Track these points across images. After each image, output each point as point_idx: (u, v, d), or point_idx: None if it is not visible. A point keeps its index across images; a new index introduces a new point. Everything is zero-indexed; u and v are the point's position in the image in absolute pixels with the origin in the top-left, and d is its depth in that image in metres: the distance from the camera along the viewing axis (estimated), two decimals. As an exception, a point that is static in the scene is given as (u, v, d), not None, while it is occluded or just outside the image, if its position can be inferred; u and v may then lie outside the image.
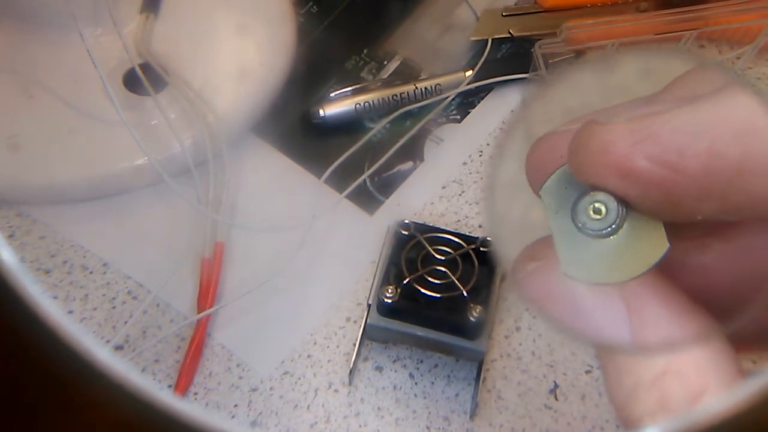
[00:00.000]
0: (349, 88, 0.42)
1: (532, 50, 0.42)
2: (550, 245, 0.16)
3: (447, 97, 0.42)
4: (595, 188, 0.15)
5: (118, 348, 0.35)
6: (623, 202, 0.15)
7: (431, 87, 0.42)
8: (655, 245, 0.15)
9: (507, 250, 0.17)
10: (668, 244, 0.15)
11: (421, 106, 0.42)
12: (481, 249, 0.34)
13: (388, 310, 0.33)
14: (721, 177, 0.14)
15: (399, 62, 0.45)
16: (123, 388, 0.12)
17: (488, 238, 0.34)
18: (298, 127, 0.42)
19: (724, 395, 0.12)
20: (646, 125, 0.14)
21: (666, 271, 0.15)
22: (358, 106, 0.41)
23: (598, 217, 0.15)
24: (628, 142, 0.14)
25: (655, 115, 0.14)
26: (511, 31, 0.45)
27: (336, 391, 0.34)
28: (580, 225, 0.15)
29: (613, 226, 0.15)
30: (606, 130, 0.14)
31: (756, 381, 0.12)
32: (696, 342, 0.14)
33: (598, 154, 0.14)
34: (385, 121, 0.42)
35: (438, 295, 0.32)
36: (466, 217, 0.39)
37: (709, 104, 0.14)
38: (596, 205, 0.15)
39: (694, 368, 0.14)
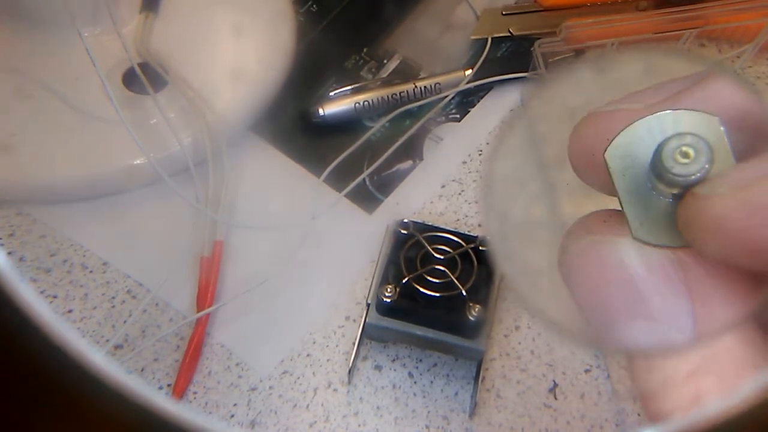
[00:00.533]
0: (349, 87, 0.42)
1: (532, 49, 0.42)
2: (608, 219, 0.15)
3: (446, 96, 0.42)
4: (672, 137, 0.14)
5: (118, 347, 0.35)
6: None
7: (431, 86, 0.42)
8: None
9: (506, 248, 0.16)
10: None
11: (421, 105, 0.42)
12: (481, 248, 0.34)
13: (387, 310, 0.33)
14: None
15: (398, 61, 0.45)
16: (119, 391, 0.12)
17: (486, 237, 0.34)
18: (297, 126, 0.42)
19: (728, 395, 0.12)
20: (755, 195, 0.13)
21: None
22: (357, 105, 0.41)
23: (686, 160, 0.14)
24: (741, 216, 0.13)
25: (760, 181, 0.13)
26: (510, 30, 0.45)
27: (335, 390, 0.34)
28: (664, 171, 0.14)
29: (705, 169, 0.14)
30: (713, 204, 0.13)
31: (757, 380, 0.12)
32: (743, 323, 0.14)
33: (714, 231, 0.13)
34: (384, 120, 0.42)
35: (437, 295, 0.32)
36: (466, 216, 0.39)
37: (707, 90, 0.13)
38: (683, 148, 0.14)
39: (730, 363, 0.14)
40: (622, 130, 0.15)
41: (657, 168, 0.14)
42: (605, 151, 0.15)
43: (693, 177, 0.14)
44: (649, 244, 0.14)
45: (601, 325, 0.14)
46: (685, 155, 0.14)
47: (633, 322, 0.14)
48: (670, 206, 0.15)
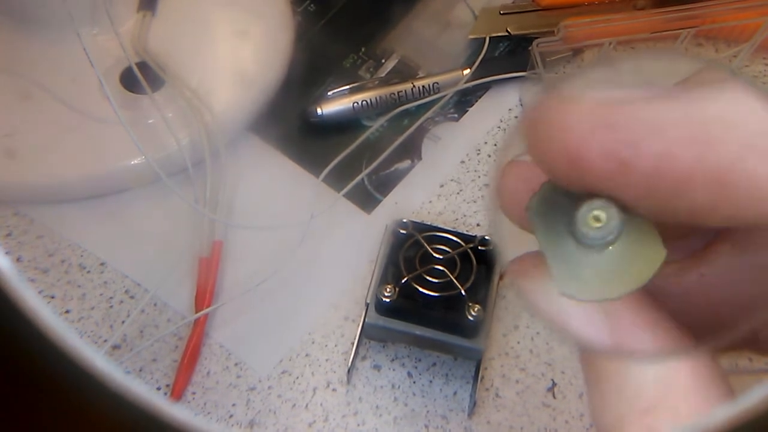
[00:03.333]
0: (347, 87, 0.42)
1: (530, 48, 0.42)
2: (539, 265, 0.15)
3: (445, 96, 0.42)
4: (585, 197, 0.15)
5: (116, 347, 0.35)
6: (622, 207, 0.14)
7: (429, 85, 0.42)
8: (651, 253, 0.15)
9: (507, 248, 0.16)
10: (665, 251, 0.15)
11: (419, 105, 0.42)
12: (480, 248, 0.34)
13: (386, 309, 0.33)
14: (670, 182, 0.13)
15: (397, 60, 0.45)
16: (117, 392, 0.12)
17: (486, 237, 0.34)
18: (295, 126, 0.42)
19: (726, 407, 0.12)
20: (610, 112, 0.13)
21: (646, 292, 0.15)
22: (355, 104, 0.41)
23: (599, 224, 0.14)
24: (585, 127, 0.13)
25: (622, 103, 0.13)
26: (508, 29, 0.45)
27: (334, 390, 0.34)
28: (581, 236, 0.15)
29: (615, 233, 0.14)
30: (566, 109, 0.13)
31: (756, 393, 0.12)
32: (675, 354, 0.14)
33: (552, 136, 0.14)
34: (382, 120, 0.42)
35: (436, 294, 0.32)
36: (464, 215, 0.39)
37: (684, 102, 0.13)
38: (595, 213, 0.14)
39: (684, 401, 0.14)
40: (543, 184, 0.15)
41: (574, 232, 0.15)
42: (526, 207, 0.16)
43: (607, 239, 0.15)
44: (576, 298, 0.15)
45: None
46: (597, 219, 0.14)
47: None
48: (594, 260, 0.15)
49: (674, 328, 0.15)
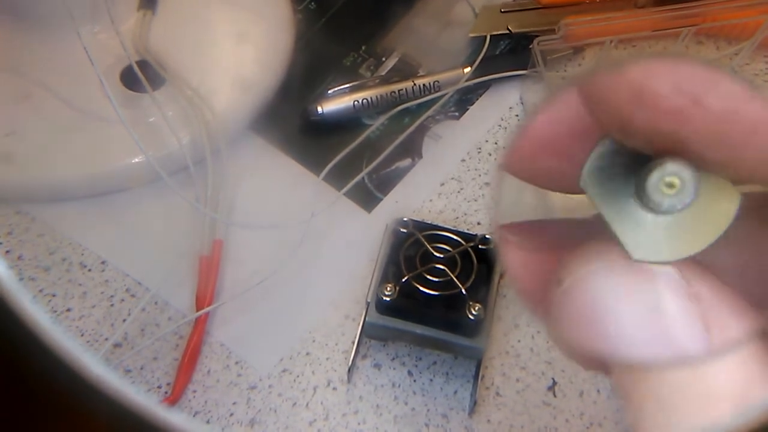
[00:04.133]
0: (347, 85, 0.42)
1: (531, 47, 0.42)
2: (600, 249, 0.14)
3: (445, 94, 0.42)
4: (648, 160, 0.13)
5: (117, 346, 0.35)
6: (695, 167, 0.13)
7: (429, 84, 0.42)
8: (725, 201, 0.14)
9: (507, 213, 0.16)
10: (739, 195, 0.14)
11: (420, 103, 0.42)
12: (480, 246, 0.34)
13: (386, 308, 0.33)
14: (742, 126, 0.12)
15: (397, 59, 0.45)
16: (112, 396, 0.12)
17: (487, 236, 0.34)
18: (296, 125, 0.42)
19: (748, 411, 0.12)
20: (676, 60, 0.12)
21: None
22: (356, 103, 0.41)
23: (673, 191, 0.13)
24: (654, 62, 0.13)
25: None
26: (509, 27, 0.45)
27: (335, 388, 0.34)
28: (653, 205, 0.14)
29: (692, 197, 0.13)
30: (630, 59, 0.13)
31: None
32: (751, 339, 0.13)
33: (616, 71, 0.13)
34: (383, 118, 0.42)
35: (437, 293, 0.32)
36: (465, 214, 0.39)
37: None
38: (668, 179, 0.13)
39: (742, 383, 0.13)
40: (596, 145, 0.15)
41: (644, 200, 0.14)
42: (580, 180, 0.15)
43: (683, 206, 0.14)
44: (650, 262, 0.14)
45: (603, 351, 0.14)
46: (671, 185, 0.13)
47: (649, 350, 0.13)
48: (667, 222, 0.14)
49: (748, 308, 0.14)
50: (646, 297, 0.13)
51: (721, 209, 0.14)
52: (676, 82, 0.12)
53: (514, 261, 0.16)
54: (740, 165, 0.13)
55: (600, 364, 0.15)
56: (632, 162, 0.14)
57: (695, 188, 0.13)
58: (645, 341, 0.13)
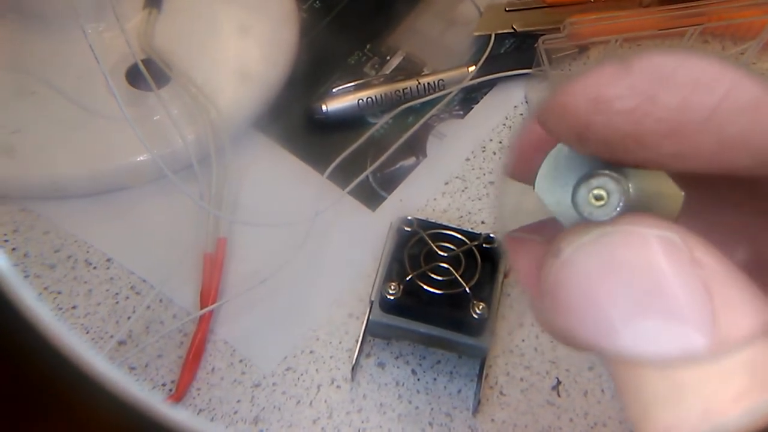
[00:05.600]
0: (352, 84, 0.42)
1: (536, 45, 0.42)
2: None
3: (450, 93, 0.42)
4: (585, 176, 0.14)
5: (121, 343, 0.35)
6: (621, 179, 0.14)
7: (434, 82, 0.42)
8: (670, 198, 0.14)
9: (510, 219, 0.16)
10: (682, 192, 0.14)
11: (424, 102, 0.42)
12: (484, 245, 0.34)
13: (390, 307, 0.33)
14: (698, 114, 0.13)
15: (402, 57, 0.45)
16: (116, 394, 0.12)
17: (491, 235, 0.34)
18: (300, 123, 0.42)
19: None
20: (629, 63, 0.13)
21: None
22: (360, 101, 0.41)
23: (601, 203, 0.14)
24: (607, 71, 0.13)
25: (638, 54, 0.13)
26: (514, 26, 0.44)
27: (338, 387, 0.34)
28: (586, 216, 0.15)
29: (620, 207, 0.14)
30: (585, 70, 0.13)
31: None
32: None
33: (573, 84, 0.13)
34: (387, 117, 0.42)
35: (441, 292, 0.32)
36: (469, 213, 0.39)
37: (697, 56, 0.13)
38: (595, 192, 0.14)
39: (748, 392, 0.12)
40: (549, 152, 0.15)
41: (577, 211, 0.15)
42: (534, 186, 0.15)
43: (613, 215, 0.14)
44: None
45: (603, 330, 0.13)
46: (599, 198, 0.14)
47: (646, 321, 0.13)
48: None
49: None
50: (641, 260, 0.13)
51: (664, 207, 0.14)
52: (630, 83, 0.13)
53: (515, 249, 0.16)
54: (698, 154, 0.13)
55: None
56: (582, 167, 0.15)
57: (620, 200, 0.14)
58: (641, 310, 0.13)
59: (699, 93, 0.13)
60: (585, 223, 0.15)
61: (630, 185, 0.15)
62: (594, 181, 0.14)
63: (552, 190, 0.15)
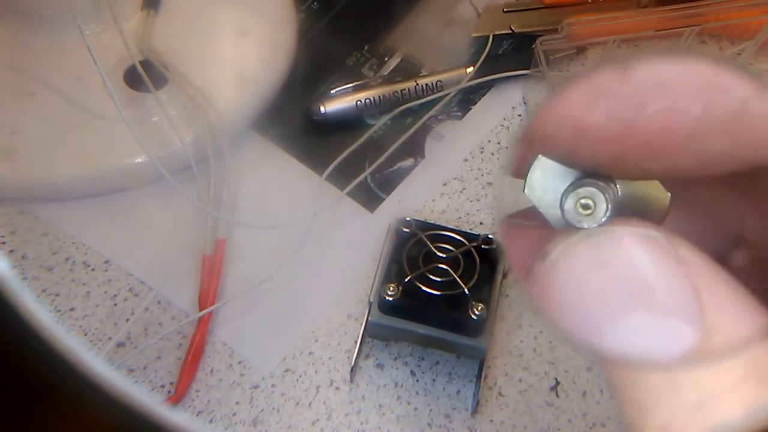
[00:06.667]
0: (350, 85, 0.42)
1: (534, 47, 0.42)
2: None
3: (448, 94, 0.42)
4: (577, 178, 0.15)
5: (120, 345, 0.35)
6: (608, 188, 0.15)
7: (432, 83, 0.42)
8: (658, 200, 0.15)
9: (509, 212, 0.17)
10: (669, 193, 0.15)
11: (422, 103, 0.42)
12: (483, 246, 0.34)
13: (389, 308, 0.33)
14: (678, 137, 0.13)
15: (400, 59, 0.45)
16: (115, 396, 0.12)
17: (490, 236, 0.34)
18: (298, 124, 0.42)
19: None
20: (605, 81, 0.13)
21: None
22: (359, 102, 0.41)
23: (588, 212, 0.15)
24: (585, 97, 0.13)
25: (614, 72, 0.13)
26: (512, 27, 0.44)
27: (337, 388, 0.34)
28: (575, 224, 0.15)
29: (606, 216, 0.15)
30: (566, 88, 0.14)
31: None
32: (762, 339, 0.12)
33: (554, 108, 0.14)
34: (386, 118, 0.42)
35: (439, 293, 0.32)
36: (467, 214, 0.39)
37: (673, 61, 0.13)
38: (582, 201, 0.15)
39: (749, 394, 0.12)
40: (530, 165, 0.16)
41: (565, 219, 0.15)
42: (524, 189, 0.16)
43: (600, 223, 0.15)
44: None
45: (592, 328, 0.13)
46: (586, 207, 0.15)
47: (633, 317, 0.13)
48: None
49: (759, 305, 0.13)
50: (626, 258, 0.13)
51: (652, 208, 0.15)
52: (608, 111, 0.13)
53: (510, 234, 0.16)
54: (683, 168, 0.14)
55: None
56: (570, 172, 0.15)
57: (607, 209, 0.15)
58: (627, 306, 0.13)
59: (677, 115, 0.13)
60: (573, 228, 0.15)
61: (618, 188, 0.15)
62: (582, 191, 0.15)
63: (541, 195, 0.16)
